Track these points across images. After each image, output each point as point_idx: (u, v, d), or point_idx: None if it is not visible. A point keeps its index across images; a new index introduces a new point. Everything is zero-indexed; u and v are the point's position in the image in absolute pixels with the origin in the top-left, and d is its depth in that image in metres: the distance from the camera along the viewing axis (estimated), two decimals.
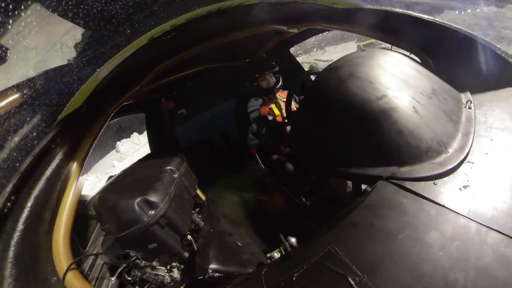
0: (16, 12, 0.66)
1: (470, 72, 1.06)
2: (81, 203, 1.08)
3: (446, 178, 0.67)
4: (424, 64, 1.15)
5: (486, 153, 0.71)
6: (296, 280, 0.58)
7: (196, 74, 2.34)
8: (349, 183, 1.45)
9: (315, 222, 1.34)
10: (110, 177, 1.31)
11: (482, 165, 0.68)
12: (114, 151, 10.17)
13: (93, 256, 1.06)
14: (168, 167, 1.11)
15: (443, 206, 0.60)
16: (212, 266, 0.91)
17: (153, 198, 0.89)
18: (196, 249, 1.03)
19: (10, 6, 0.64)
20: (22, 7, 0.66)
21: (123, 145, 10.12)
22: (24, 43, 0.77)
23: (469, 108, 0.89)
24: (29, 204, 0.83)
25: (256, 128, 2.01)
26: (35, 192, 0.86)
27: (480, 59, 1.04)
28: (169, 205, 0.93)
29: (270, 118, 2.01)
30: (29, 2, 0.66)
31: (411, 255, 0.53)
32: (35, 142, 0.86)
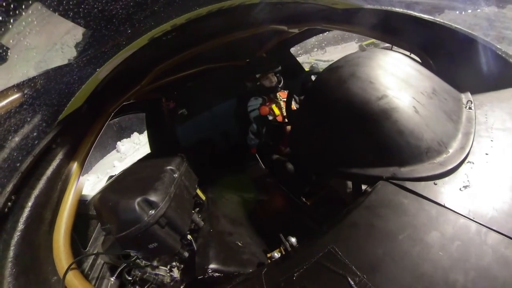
0: (17, 12, 0.66)
1: (471, 72, 1.06)
2: (82, 203, 1.08)
3: (446, 178, 0.67)
4: (424, 64, 1.15)
5: (486, 154, 0.71)
6: (296, 280, 0.58)
7: (196, 74, 2.34)
8: (349, 183, 1.45)
9: (315, 222, 1.34)
10: (111, 177, 1.32)
11: (483, 165, 0.68)
12: (114, 151, 10.18)
13: (93, 256, 1.06)
14: (168, 167, 1.12)
15: (444, 206, 0.60)
16: (212, 266, 0.91)
17: (153, 197, 0.89)
18: (196, 249, 1.03)
19: (11, 6, 0.64)
20: (23, 6, 0.66)
21: (123, 145, 10.12)
22: (25, 43, 0.77)
23: (470, 108, 0.88)
24: (29, 204, 0.83)
25: (256, 127, 2.01)
26: (36, 192, 0.86)
27: (480, 59, 1.03)
28: (169, 204, 0.93)
29: (270, 118, 2.01)
30: (30, 2, 0.67)
31: (411, 255, 0.53)
32: (36, 142, 0.86)
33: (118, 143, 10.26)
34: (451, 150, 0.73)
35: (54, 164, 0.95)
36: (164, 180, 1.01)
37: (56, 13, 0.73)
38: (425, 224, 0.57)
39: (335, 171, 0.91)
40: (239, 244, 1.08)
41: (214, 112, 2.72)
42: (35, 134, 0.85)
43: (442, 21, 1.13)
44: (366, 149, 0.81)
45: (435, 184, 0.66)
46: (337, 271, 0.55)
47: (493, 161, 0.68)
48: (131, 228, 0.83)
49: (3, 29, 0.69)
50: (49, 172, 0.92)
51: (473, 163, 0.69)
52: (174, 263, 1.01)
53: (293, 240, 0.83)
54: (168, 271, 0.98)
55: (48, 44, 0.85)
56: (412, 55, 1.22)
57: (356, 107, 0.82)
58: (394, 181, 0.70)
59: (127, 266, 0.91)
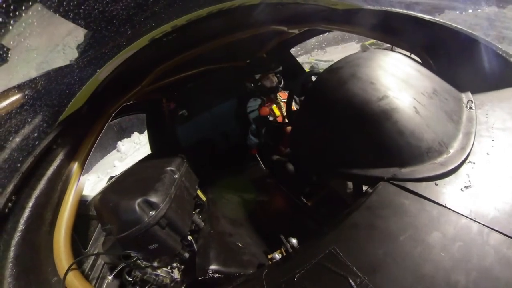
0: (17, 13, 0.66)
1: (471, 72, 1.06)
2: (82, 204, 1.08)
3: (447, 179, 0.66)
4: (424, 64, 1.15)
5: (487, 153, 0.71)
6: (297, 281, 0.58)
7: (197, 75, 2.34)
8: (350, 184, 1.44)
9: (316, 223, 1.34)
10: (111, 177, 1.32)
11: (484, 165, 0.68)
12: (115, 150, 10.18)
13: (93, 256, 1.06)
14: (169, 168, 1.12)
15: (445, 206, 0.60)
16: (213, 267, 0.91)
17: (153, 198, 0.89)
18: (196, 249, 1.03)
19: (12, 7, 0.64)
20: (24, 7, 0.66)
21: (124, 144, 10.13)
22: (25, 44, 0.77)
23: (470, 108, 0.88)
24: (30, 204, 0.84)
25: (255, 128, 2.02)
26: (36, 193, 0.86)
27: (480, 59, 1.03)
28: (169, 205, 0.93)
29: (271, 118, 2.01)
30: (30, 3, 0.67)
31: (412, 256, 0.52)
32: (36, 143, 0.86)
33: (119, 142, 10.26)
34: (452, 150, 0.73)
35: (55, 164, 0.95)
36: (165, 181, 1.01)
37: (57, 14, 0.73)
38: (426, 225, 0.57)
39: (335, 171, 0.91)
40: (240, 245, 1.08)
41: (214, 113, 2.72)
42: (35, 134, 0.85)
43: (442, 21, 1.13)
44: (367, 149, 0.81)
45: (436, 184, 0.66)
46: (338, 272, 0.55)
47: (494, 161, 0.68)
48: (131, 229, 0.83)
49: (3, 30, 0.69)
50: (49, 172, 0.92)
51: (474, 163, 0.69)
52: (174, 264, 1.00)
53: (294, 241, 0.83)
54: (168, 272, 0.98)
55: (49, 45, 0.85)
56: (412, 55, 1.22)
57: (356, 108, 0.82)
58: (395, 182, 0.70)
59: (128, 266, 0.91)
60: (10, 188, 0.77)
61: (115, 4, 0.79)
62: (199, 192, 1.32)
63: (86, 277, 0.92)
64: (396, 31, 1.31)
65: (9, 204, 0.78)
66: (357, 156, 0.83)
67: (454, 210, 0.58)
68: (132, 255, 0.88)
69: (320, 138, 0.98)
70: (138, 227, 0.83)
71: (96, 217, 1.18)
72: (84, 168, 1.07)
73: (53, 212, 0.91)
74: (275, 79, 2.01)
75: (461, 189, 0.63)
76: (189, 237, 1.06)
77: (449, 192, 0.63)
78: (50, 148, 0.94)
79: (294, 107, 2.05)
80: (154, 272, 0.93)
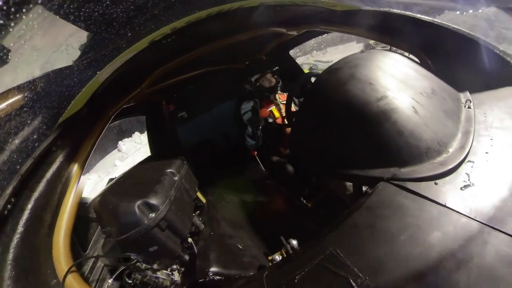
0: (18, 15, 0.66)
1: (469, 71, 1.06)
2: (82, 206, 1.08)
3: (447, 178, 0.67)
4: (423, 64, 1.15)
5: (486, 152, 0.71)
6: (297, 283, 0.58)
7: (196, 77, 2.35)
8: (350, 184, 1.44)
9: (316, 224, 1.34)
10: (111, 179, 1.31)
11: (483, 164, 0.68)
12: (116, 150, 10.15)
13: (93, 259, 1.05)
14: (169, 170, 1.11)
15: (445, 206, 0.60)
16: (213, 269, 0.90)
17: (153, 201, 0.89)
18: (196, 252, 1.03)
19: (12, 9, 0.64)
20: (24, 9, 0.66)
21: (124, 144, 10.11)
22: (25, 45, 0.77)
23: (469, 107, 0.89)
24: (29, 206, 0.83)
25: (251, 130, 2.02)
26: (36, 195, 0.86)
27: (478, 58, 1.04)
28: (169, 208, 0.93)
29: (270, 120, 2.01)
30: (31, 5, 0.67)
31: (413, 255, 0.52)
32: (36, 145, 0.86)
33: (120, 142, 10.23)
34: (451, 150, 0.73)
35: (54, 166, 0.95)
36: (165, 183, 1.00)
37: (57, 16, 0.73)
38: (426, 224, 0.57)
39: (335, 172, 0.91)
40: (240, 247, 1.07)
41: (214, 114, 2.72)
42: (35, 136, 0.85)
43: (440, 21, 1.14)
44: (366, 150, 0.81)
45: (436, 184, 0.66)
46: (338, 273, 0.55)
47: (493, 160, 0.68)
48: (131, 231, 0.82)
49: (4, 32, 0.69)
50: (49, 174, 0.92)
51: (473, 162, 0.69)
52: (174, 266, 1.00)
53: (294, 242, 0.83)
54: (168, 274, 0.97)
55: (49, 46, 0.85)
56: (411, 56, 1.23)
57: (355, 109, 0.82)
58: (394, 182, 0.70)
59: (127, 269, 0.90)
60: (9, 190, 0.77)
61: (115, 7, 0.79)
62: (199, 194, 1.32)
63: (85, 279, 0.91)
64: (395, 32, 1.32)
65: (8, 206, 0.78)
66: (356, 157, 0.83)
67: (454, 209, 0.58)
68: (132, 257, 0.88)
69: (319, 139, 0.98)
70: (138, 229, 0.83)
71: (95, 219, 1.18)
72: (83, 170, 1.07)
73: (52, 214, 0.91)
74: (273, 79, 2.02)
75: (461, 188, 0.63)
76: (189, 239, 1.06)
77: (448, 191, 0.63)
78: (49, 150, 0.94)
79: (294, 108, 2.05)
80: (154, 275, 0.93)
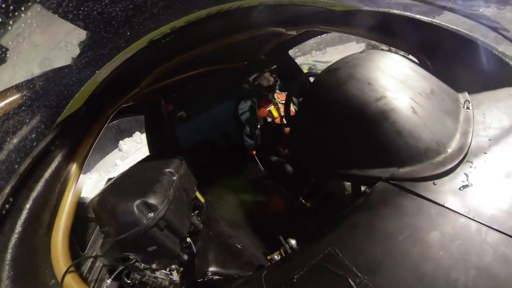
0: (16, 13, 0.66)
1: (468, 72, 1.07)
2: (80, 205, 1.07)
3: (445, 178, 0.67)
4: (422, 64, 1.16)
5: (485, 153, 0.71)
6: (296, 282, 0.58)
7: (195, 76, 2.35)
8: (349, 184, 1.45)
9: (315, 224, 1.34)
10: (110, 179, 1.31)
11: (481, 164, 0.68)
12: (116, 149, 10.14)
13: (92, 259, 1.05)
14: (167, 170, 1.11)
15: (443, 206, 0.60)
16: (212, 268, 0.90)
17: (152, 200, 0.89)
18: (195, 251, 1.03)
19: (11, 7, 0.64)
20: (23, 8, 0.66)
21: (125, 144, 10.10)
22: (24, 44, 0.77)
23: (467, 108, 0.89)
24: (27, 206, 0.83)
25: (249, 129, 2.03)
26: (34, 194, 0.86)
27: (477, 59, 1.04)
28: (168, 207, 0.92)
29: (269, 120, 2.02)
30: (29, 3, 0.67)
31: (411, 255, 0.52)
32: (34, 144, 0.85)
33: (121, 142, 10.22)
34: (449, 150, 0.73)
35: (53, 166, 0.94)
36: (163, 182, 1.00)
37: (56, 15, 0.73)
38: (425, 224, 0.57)
39: (334, 172, 0.91)
40: (239, 246, 1.07)
41: (213, 114, 2.72)
42: (33, 136, 0.84)
43: (439, 22, 1.14)
44: (365, 150, 0.81)
45: (434, 184, 0.66)
46: (337, 272, 0.55)
47: (492, 160, 0.69)
48: (130, 231, 0.82)
49: (2, 30, 0.69)
50: (47, 174, 0.92)
51: (472, 162, 0.70)
52: (173, 266, 1.00)
53: (293, 242, 0.83)
54: (167, 274, 0.97)
55: (48, 45, 0.85)
56: (410, 56, 1.23)
57: (354, 109, 0.82)
58: (393, 182, 0.70)
59: (126, 269, 0.90)
60: (7, 190, 0.77)
61: (114, 6, 0.79)
62: (197, 194, 1.32)
63: (84, 279, 0.91)
64: (394, 32, 1.32)
65: (6, 206, 0.77)
66: (355, 157, 0.83)
67: (453, 209, 0.58)
68: (131, 257, 0.88)
69: (318, 139, 0.98)
70: (136, 229, 0.83)
71: (94, 219, 1.17)
72: (82, 170, 1.07)
73: (51, 214, 0.91)
74: (272, 78, 2.02)
75: (459, 188, 0.63)
76: (188, 239, 1.05)
77: (447, 192, 0.63)
78: (48, 150, 0.94)
79: (292, 108, 2.05)
80: (153, 275, 0.92)
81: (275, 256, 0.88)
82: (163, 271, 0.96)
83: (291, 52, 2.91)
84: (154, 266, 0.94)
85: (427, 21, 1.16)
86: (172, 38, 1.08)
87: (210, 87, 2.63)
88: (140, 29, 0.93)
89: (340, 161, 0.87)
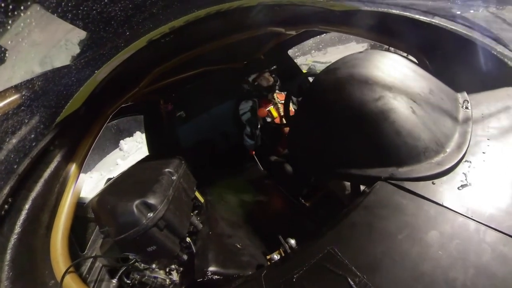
0: (15, 13, 0.66)
1: (467, 72, 1.07)
2: (80, 206, 1.07)
3: (444, 178, 0.67)
4: (421, 64, 1.16)
5: (483, 152, 0.71)
6: (296, 282, 0.58)
7: (195, 76, 2.35)
8: (348, 184, 1.45)
9: (314, 224, 1.34)
10: (109, 179, 1.31)
11: (480, 164, 0.69)
12: (117, 149, 10.14)
13: (91, 259, 1.05)
14: (167, 169, 1.11)
15: (442, 205, 0.60)
16: (211, 268, 0.90)
17: (151, 200, 0.89)
18: (195, 251, 1.03)
19: (10, 7, 0.64)
20: (22, 7, 0.66)
21: (126, 143, 10.10)
22: (23, 44, 0.77)
23: (466, 108, 0.89)
24: (26, 206, 0.83)
25: (250, 130, 2.03)
26: (33, 195, 0.86)
27: (476, 59, 1.04)
28: (167, 207, 0.92)
29: (268, 120, 2.02)
30: (28, 3, 0.67)
31: (410, 254, 0.53)
32: (33, 144, 0.85)
33: (121, 141, 10.22)
34: (448, 150, 0.73)
35: (52, 166, 0.94)
36: (163, 182, 1.00)
37: (55, 15, 0.73)
38: (424, 224, 0.58)
39: (333, 172, 0.91)
40: (238, 246, 1.08)
41: (213, 114, 2.72)
42: (32, 136, 0.84)
43: (438, 22, 1.14)
44: (364, 150, 0.81)
45: (433, 183, 0.66)
46: (336, 271, 0.55)
47: (490, 160, 0.69)
48: (129, 231, 0.82)
49: (1, 30, 0.68)
50: (46, 174, 0.91)
51: (470, 162, 0.70)
52: (173, 266, 1.00)
53: (293, 241, 0.83)
54: (167, 274, 0.97)
55: (47, 45, 0.84)
56: (409, 56, 1.23)
57: (353, 108, 0.82)
58: (392, 181, 0.70)
59: (126, 269, 0.90)
60: (6, 190, 0.77)
61: (113, 5, 0.79)
62: (197, 194, 1.32)
63: (83, 280, 0.91)
64: (393, 32, 1.33)
65: (6, 206, 0.77)
66: (354, 156, 0.83)
67: (451, 208, 0.59)
68: (130, 257, 0.88)
69: (317, 139, 0.99)
70: (136, 229, 0.83)
71: (93, 219, 1.17)
72: (81, 170, 1.07)
73: (50, 214, 0.91)
74: (271, 78, 2.02)
75: (458, 188, 0.64)
76: (188, 239, 1.06)
77: (446, 191, 0.64)
78: (47, 150, 0.94)
79: (292, 108, 2.06)
80: (153, 275, 0.93)
81: (275, 256, 0.88)
82: (162, 271, 0.96)
83: (290, 52, 2.91)
84: (153, 266, 0.94)
85: (426, 21, 1.16)
86: (172, 38, 1.08)
87: (209, 87, 2.62)
88: (140, 29, 0.93)
89: (340, 161, 0.87)
